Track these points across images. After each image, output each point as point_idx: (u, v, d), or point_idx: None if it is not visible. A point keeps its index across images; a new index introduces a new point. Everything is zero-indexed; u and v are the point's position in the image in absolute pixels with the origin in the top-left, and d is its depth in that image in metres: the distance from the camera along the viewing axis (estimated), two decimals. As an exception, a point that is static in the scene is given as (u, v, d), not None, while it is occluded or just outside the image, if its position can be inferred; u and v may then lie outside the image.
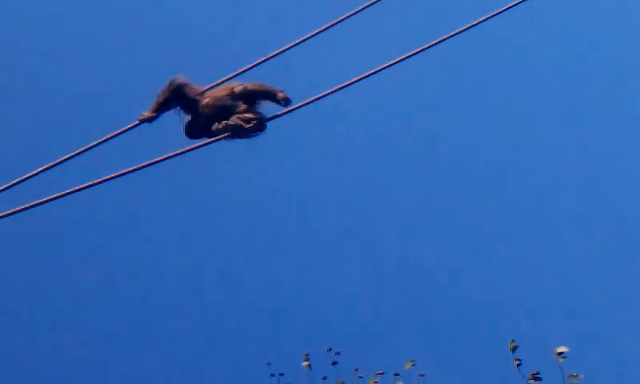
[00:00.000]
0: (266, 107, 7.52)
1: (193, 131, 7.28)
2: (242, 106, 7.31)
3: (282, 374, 12.69)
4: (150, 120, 7.13)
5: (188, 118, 7.37)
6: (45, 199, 6.39)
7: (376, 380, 12.04)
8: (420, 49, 7.19)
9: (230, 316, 16.87)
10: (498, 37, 17.10)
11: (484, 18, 7.25)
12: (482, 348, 14.81)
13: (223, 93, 7.36)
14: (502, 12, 7.33)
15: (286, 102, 7.35)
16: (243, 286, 17.04)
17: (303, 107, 7.21)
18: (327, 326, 15.56)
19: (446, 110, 17.77)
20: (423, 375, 12.11)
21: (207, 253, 17.27)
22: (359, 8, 7.64)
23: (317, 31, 7.47)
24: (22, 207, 6.26)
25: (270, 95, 7.43)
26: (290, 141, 16.89)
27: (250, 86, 7.43)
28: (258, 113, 7.38)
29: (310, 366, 12.25)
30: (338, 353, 12.18)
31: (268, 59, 7.44)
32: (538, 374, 10.98)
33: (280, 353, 13.25)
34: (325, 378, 12.16)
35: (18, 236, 16.31)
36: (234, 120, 7.20)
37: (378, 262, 16.91)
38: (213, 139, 7.15)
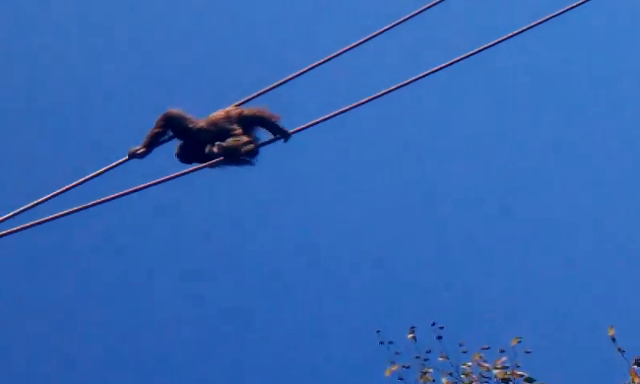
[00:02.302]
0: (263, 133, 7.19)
1: (185, 155, 6.99)
2: (238, 130, 6.96)
3: (390, 343, 12.79)
4: (141, 155, 6.86)
5: (180, 142, 7.07)
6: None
7: (481, 355, 12.07)
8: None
9: (344, 284, 17.08)
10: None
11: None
12: (584, 330, 14.62)
13: (219, 116, 7.04)
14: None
15: (284, 134, 7.06)
16: (360, 256, 17.20)
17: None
18: (433, 301, 15.61)
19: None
20: (529, 352, 12.05)
21: (319, 226, 17.45)
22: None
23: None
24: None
25: (267, 122, 7.11)
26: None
27: (246, 111, 7.14)
28: (254, 138, 7.06)
29: (415, 338, 12.37)
30: (442, 327, 12.27)
31: (271, 88, 7.08)
32: (642, 359, 10.82)
33: (389, 324, 13.34)
34: (429, 351, 12.26)
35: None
36: (228, 142, 6.88)
37: (479, 239, 16.82)
38: (205, 164, 6.82)
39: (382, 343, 12.92)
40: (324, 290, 17.07)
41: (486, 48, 7.04)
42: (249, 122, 7.14)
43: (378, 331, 13.03)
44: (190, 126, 6.99)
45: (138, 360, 16.99)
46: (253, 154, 7.01)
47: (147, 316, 17.09)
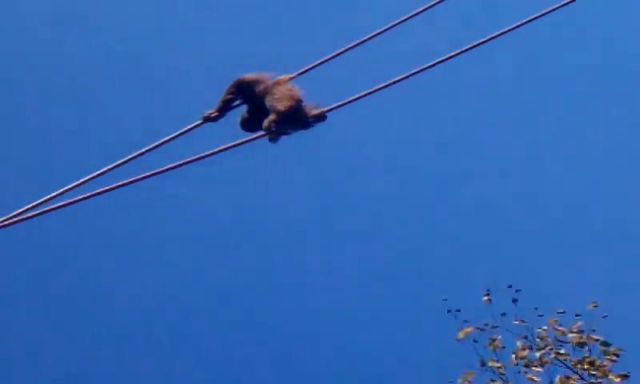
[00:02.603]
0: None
1: (249, 125, 6.91)
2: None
3: (458, 310, 12.66)
4: (214, 119, 6.87)
5: (247, 111, 6.98)
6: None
7: (556, 319, 11.93)
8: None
9: (409, 253, 17.05)
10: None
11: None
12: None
13: (292, 95, 6.87)
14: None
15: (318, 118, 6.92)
16: (424, 222, 17.17)
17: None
18: (510, 264, 15.49)
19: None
20: (606, 317, 11.89)
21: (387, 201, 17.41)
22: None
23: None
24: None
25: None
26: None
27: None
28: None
29: (490, 300, 12.24)
30: (518, 290, 12.13)
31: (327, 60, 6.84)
32: None
33: (461, 288, 13.26)
34: (504, 314, 12.13)
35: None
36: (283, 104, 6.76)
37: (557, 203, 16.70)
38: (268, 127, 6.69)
39: (449, 311, 12.77)
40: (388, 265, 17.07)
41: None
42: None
43: (445, 299, 12.88)
44: (258, 90, 6.95)
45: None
46: (321, 118, 6.87)
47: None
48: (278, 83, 6.94)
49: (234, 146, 6.48)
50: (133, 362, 17.15)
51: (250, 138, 6.64)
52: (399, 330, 16.59)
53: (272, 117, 6.70)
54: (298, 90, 6.89)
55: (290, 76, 7.01)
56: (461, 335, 12.09)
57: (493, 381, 12.25)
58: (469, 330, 12.12)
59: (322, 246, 17.50)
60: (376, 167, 17.77)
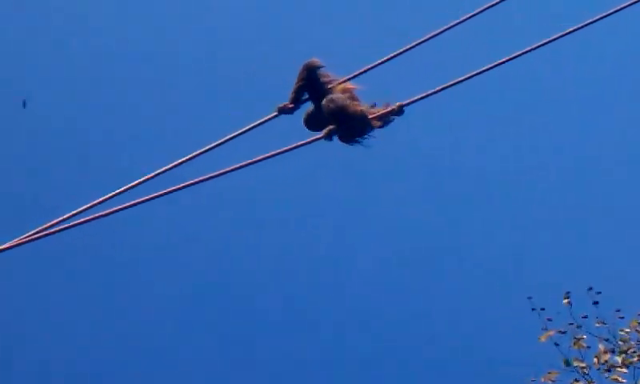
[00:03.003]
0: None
1: (313, 122, 6.63)
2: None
3: (542, 309, 12.67)
4: (290, 110, 6.60)
5: (312, 107, 6.66)
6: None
7: (639, 321, 11.86)
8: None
9: (495, 252, 17.03)
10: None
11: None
12: None
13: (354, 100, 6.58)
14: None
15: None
16: (507, 222, 17.14)
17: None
18: (589, 266, 15.38)
19: None
20: (690, 321, 11.78)
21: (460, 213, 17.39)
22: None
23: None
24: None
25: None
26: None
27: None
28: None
29: (570, 303, 12.23)
30: (599, 292, 12.09)
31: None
32: None
33: (541, 289, 13.23)
34: (585, 316, 12.10)
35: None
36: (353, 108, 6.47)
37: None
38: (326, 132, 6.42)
39: (533, 310, 12.78)
40: (475, 258, 17.09)
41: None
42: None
43: (530, 298, 12.90)
44: (325, 82, 6.65)
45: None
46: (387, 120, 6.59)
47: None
48: (342, 86, 6.67)
49: (306, 143, 6.27)
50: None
51: (313, 138, 6.38)
52: (483, 327, 16.62)
53: (331, 127, 6.42)
54: (357, 99, 6.60)
55: (350, 86, 6.69)
56: (543, 338, 12.11)
57: (577, 381, 12.23)
58: (551, 333, 12.13)
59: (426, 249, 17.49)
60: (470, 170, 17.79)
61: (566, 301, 12.22)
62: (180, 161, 6.11)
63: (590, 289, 12.15)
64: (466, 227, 17.52)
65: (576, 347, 12.28)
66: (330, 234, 17.62)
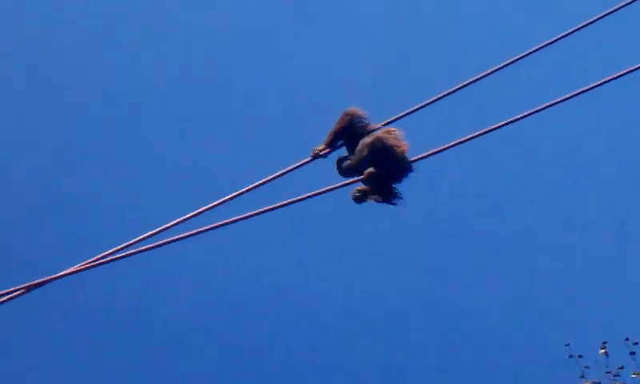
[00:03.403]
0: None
1: (346, 168, 6.52)
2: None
3: (580, 356, 12.65)
4: (324, 155, 6.46)
5: (345, 154, 6.58)
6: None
7: (675, 374, 11.78)
8: None
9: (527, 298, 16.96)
10: None
11: None
12: None
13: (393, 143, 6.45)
14: None
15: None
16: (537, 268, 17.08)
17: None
18: (625, 318, 15.25)
19: None
20: None
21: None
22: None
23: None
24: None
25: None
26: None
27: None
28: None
29: (607, 354, 12.16)
30: (635, 343, 12.02)
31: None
32: None
33: (579, 338, 13.17)
34: (621, 367, 12.04)
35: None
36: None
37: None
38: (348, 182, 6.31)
39: (571, 356, 12.76)
40: (513, 299, 17.02)
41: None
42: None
43: (567, 344, 12.87)
44: (365, 129, 6.49)
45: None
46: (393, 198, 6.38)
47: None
48: (384, 129, 6.51)
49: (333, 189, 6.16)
50: None
51: (343, 183, 6.27)
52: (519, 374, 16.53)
53: (372, 170, 6.29)
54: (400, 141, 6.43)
55: (392, 129, 6.50)
56: (581, 390, 12.07)
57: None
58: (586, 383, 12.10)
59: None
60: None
61: (602, 351, 12.16)
62: (215, 203, 6.10)
63: (627, 339, 12.10)
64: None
65: (613, 397, 12.24)
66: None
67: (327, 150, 6.44)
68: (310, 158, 6.38)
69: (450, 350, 17.18)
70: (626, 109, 17.44)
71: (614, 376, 12.27)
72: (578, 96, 6.46)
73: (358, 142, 6.43)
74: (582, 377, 12.50)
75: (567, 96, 6.39)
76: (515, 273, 17.36)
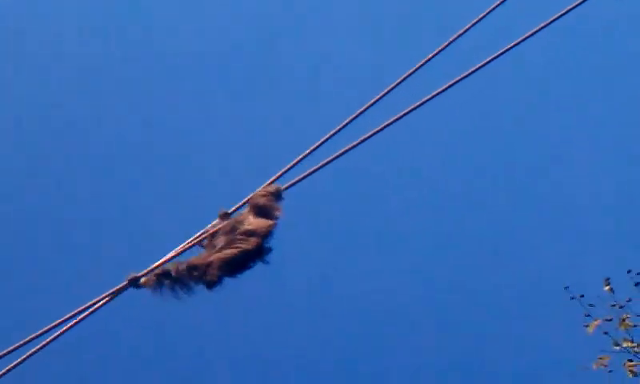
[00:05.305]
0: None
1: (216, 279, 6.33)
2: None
3: (582, 296, 12.56)
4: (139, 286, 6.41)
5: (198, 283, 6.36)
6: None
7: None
8: None
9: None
10: None
11: None
12: None
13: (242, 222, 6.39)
14: None
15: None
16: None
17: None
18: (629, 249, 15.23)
19: None
20: None
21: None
22: None
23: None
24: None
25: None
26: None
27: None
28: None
29: (612, 290, 12.10)
30: (639, 273, 11.98)
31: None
32: None
33: (579, 277, 13.11)
34: (629, 300, 11.99)
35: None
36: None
37: None
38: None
39: (572, 298, 12.68)
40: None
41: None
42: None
43: (567, 287, 12.80)
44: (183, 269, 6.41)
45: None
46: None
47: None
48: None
49: None
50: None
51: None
52: (524, 320, 16.51)
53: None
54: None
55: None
56: (591, 330, 12.00)
57: (630, 361, 12.12)
58: (597, 322, 12.02)
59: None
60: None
61: (607, 287, 12.08)
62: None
63: (629, 271, 12.05)
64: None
65: (623, 328, 12.17)
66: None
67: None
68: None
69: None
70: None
71: (620, 308, 12.22)
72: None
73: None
74: (588, 316, 12.41)
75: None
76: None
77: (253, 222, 6.36)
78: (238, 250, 6.22)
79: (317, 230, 17.42)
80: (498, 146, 17.83)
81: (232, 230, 6.35)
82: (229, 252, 6.23)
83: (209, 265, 6.17)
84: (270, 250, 6.39)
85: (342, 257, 17.29)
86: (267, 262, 6.37)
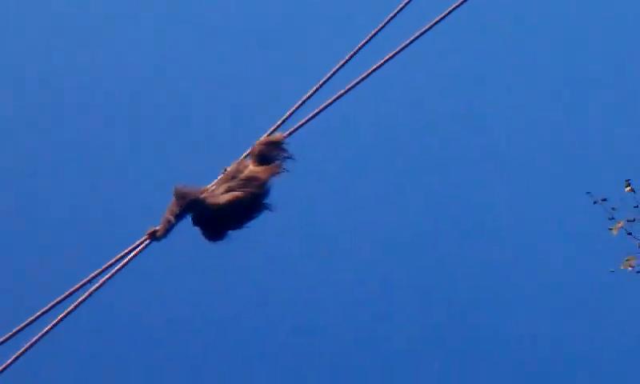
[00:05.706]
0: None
1: (213, 230, 6.29)
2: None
3: (604, 200, 12.60)
4: (159, 238, 6.20)
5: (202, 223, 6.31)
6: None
7: None
8: None
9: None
10: None
11: None
12: None
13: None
14: None
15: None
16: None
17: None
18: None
19: None
20: None
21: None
22: None
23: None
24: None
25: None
26: None
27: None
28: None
29: (633, 190, 12.10)
30: (657, 173, 11.96)
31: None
32: None
33: (600, 182, 13.06)
34: (652, 199, 11.99)
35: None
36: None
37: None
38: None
39: (595, 203, 12.68)
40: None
41: None
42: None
43: (588, 192, 12.81)
44: (204, 199, 6.38)
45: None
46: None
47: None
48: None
49: None
50: None
51: None
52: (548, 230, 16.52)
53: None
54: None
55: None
56: (615, 230, 12.03)
57: (656, 259, 12.16)
58: (620, 224, 12.05)
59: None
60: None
61: (628, 188, 12.09)
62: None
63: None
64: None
65: (647, 227, 12.20)
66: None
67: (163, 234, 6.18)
68: (145, 238, 6.18)
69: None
70: None
71: (642, 207, 12.24)
72: None
73: (203, 208, 6.19)
74: (612, 218, 12.43)
75: None
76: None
77: (253, 169, 6.32)
78: (236, 196, 6.18)
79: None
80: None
81: (232, 177, 6.29)
82: (226, 197, 6.19)
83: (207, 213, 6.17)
84: (270, 196, 6.34)
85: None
86: (271, 210, 6.30)
